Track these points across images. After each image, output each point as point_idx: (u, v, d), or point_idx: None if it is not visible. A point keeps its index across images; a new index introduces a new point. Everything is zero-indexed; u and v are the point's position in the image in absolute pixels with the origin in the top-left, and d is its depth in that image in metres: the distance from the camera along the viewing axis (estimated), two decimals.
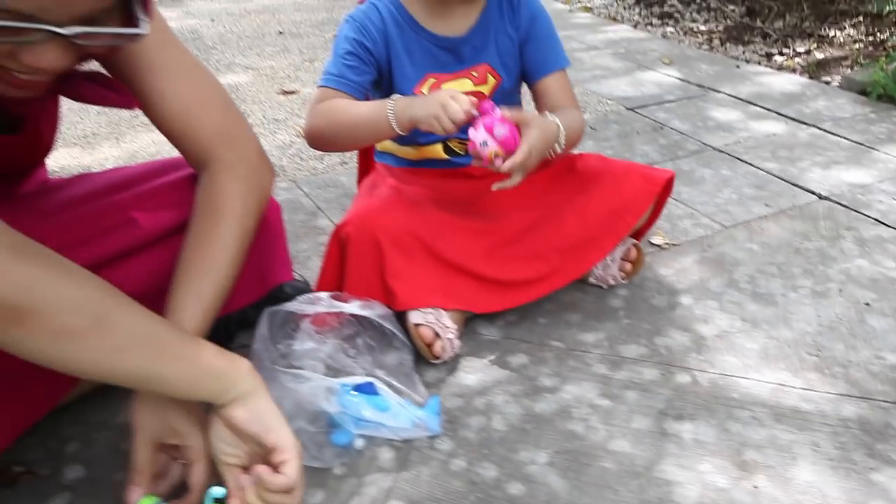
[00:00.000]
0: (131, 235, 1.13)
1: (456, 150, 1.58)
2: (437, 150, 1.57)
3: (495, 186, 1.33)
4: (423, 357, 1.36)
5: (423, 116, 1.28)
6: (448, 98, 1.27)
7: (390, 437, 1.19)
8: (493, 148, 1.26)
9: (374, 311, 1.27)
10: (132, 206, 1.15)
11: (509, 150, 1.27)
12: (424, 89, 1.47)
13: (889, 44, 3.12)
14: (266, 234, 1.26)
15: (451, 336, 1.36)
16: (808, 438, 1.20)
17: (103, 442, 1.20)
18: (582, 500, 1.10)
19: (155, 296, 1.03)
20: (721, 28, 3.69)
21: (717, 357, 1.38)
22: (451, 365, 1.37)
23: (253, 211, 1.12)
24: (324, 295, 1.27)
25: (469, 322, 1.45)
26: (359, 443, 1.19)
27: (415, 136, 1.47)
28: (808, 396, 1.29)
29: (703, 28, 3.70)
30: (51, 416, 1.15)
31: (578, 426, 1.24)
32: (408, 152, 1.59)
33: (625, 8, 4.13)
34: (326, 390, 1.15)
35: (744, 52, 3.28)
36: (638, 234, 1.59)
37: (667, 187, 1.54)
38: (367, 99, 1.44)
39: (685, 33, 3.59)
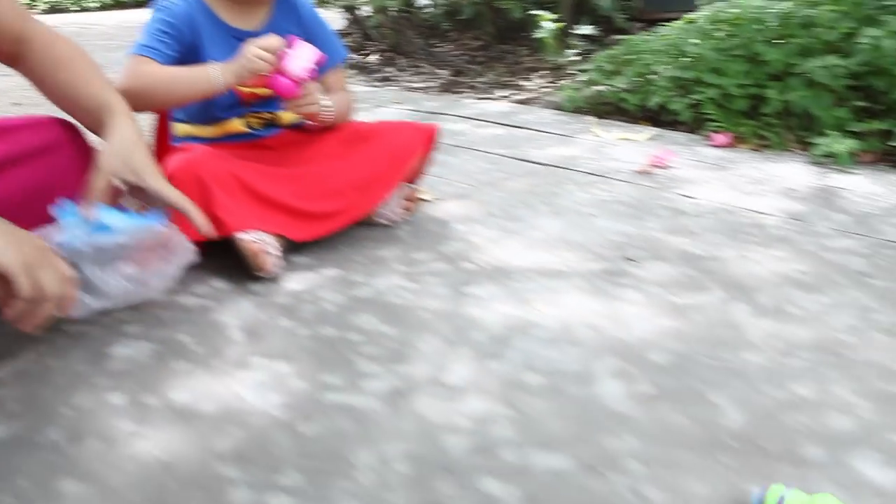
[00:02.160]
0: None
1: (253, 124, 1.83)
2: (237, 125, 1.81)
3: (294, 108, 1.60)
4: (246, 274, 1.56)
5: (244, 62, 1.53)
6: (254, 41, 1.55)
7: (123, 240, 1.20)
8: (301, 66, 1.54)
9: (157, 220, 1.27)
10: None
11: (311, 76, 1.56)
12: None
13: (568, 79, 3.83)
14: (85, 162, 1.38)
15: (274, 252, 1.58)
16: (568, 283, 1.57)
17: None
18: (408, 336, 1.36)
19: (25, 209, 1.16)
20: (435, 85, 4.26)
21: (491, 252, 1.73)
22: (274, 279, 1.58)
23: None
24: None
25: (283, 253, 1.67)
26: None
27: (214, 111, 1.71)
28: (563, 263, 1.66)
29: (420, 86, 4.25)
30: None
31: (395, 299, 1.51)
32: (208, 131, 1.80)
33: (348, 78, 4.60)
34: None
35: (458, 99, 3.82)
36: (413, 179, 1.92)
37: (433, 138, 1.89)
38: None
39: (407, 91, 4.11)
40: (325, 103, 1.71)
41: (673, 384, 1.22)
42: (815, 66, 2.50)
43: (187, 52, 1.68)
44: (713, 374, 1.25)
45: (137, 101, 1.60)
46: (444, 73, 4.50)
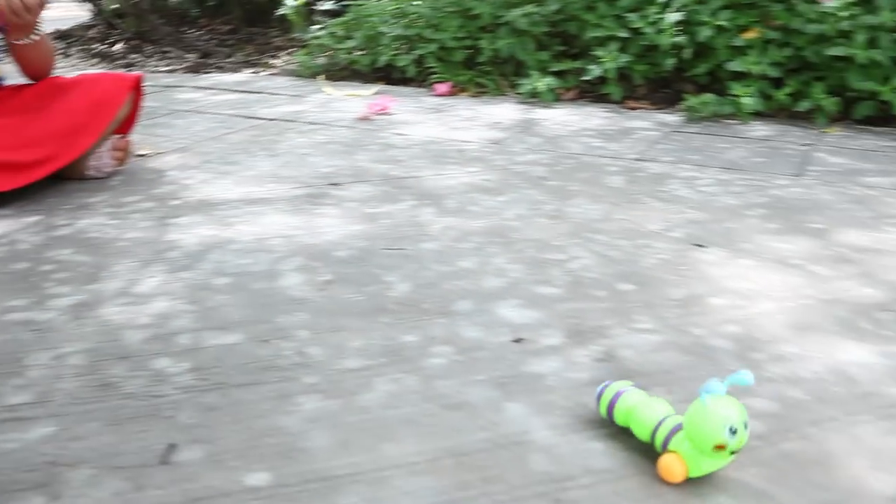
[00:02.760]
0: None
1: None
2: None
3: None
4: None
5: None
6: None
7: None
8: None
9: None
10: None
11: None
12: None
13: (302, 52, 3.92)
14: None
15: None
16: (271, 207, 1.65)
17: None
18: (103, 262, 1.39)
19: None
20: (182, 67, 4.21)
21: (201, 190, 1.78)
22: None
23: None
24: None
25: None
26: None
27: None
28: (269, 193, 1.75)
29: (164, 69, 4.18)
30: None
31: (95, 234, 1.53)
32: None
33: (90, 66, 4.44)
34: None
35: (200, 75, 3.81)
36: (123, 130, 1.93)
37: (136, 86, 1.90)
38: None
39: (151, 74, 4.03)
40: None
41: (351, 271, 1.33)
42: (517, 15, 2.74)
43: None
44: (390, 261, 1.38)
45: None
46: (192, 56, 4.44)
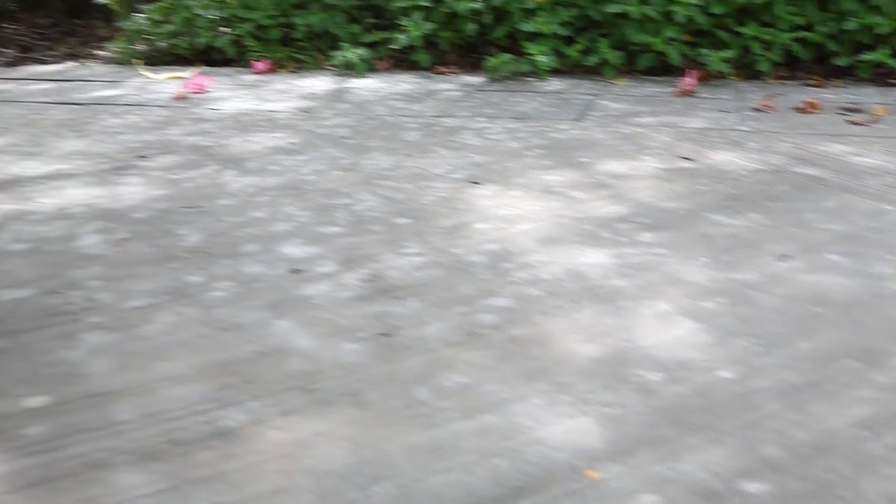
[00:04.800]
0: None
1: None
2: None
3: None
4: None
5: None
6: None
7: None
8: None
9: None
10: None
11: None
12: None
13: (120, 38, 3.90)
14: None
15: None
16: (76, 181, 1.70)
17: None
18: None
19: None
20: (0, 62, 4.08)
21: (5, 169, 1.80)
22: None
23: None
24: None
25: None
26: None
27: None
28: (75, 169, 1.78)
29: None
30: None
31: None
32: None
33: None
34: None
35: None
36: None
37: None
38: None
39: None
40: None
41: (147, 229, 1.42)
42: None
43: None
44: (183, 217, 1.46)
45: None
46: (11, 52, 4.31)
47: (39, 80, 2.99)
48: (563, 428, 0.85)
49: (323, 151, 1.83)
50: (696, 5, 2.46)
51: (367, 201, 1.52)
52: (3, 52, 4.31)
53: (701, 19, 2.48)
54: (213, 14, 3.06)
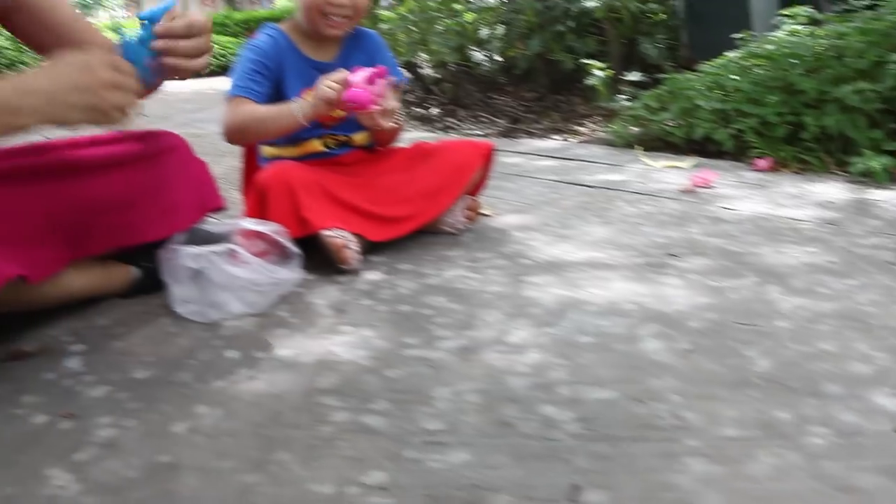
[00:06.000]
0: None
1: (330, 144, 2.07)
2: (316, 145, 2.05)
3: (369, 117, 1.80)
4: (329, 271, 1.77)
5: (320, 95, 1.76)
6: (324, 77, 1.79)
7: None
8: (366, 90, 1.75)
9: (268, 227, 1.64)
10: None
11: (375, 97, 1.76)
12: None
13: (616, 121, 4.05)
14: (196, 165, 1.67)
15: (354, 248, 1.80)
16: (615, 273, 1.75)
17: (96, 331, 1.51)
18: (474, 311, 1.56)
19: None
20: (494, 132, 4.52)
21: (546, 251, 1.92)
22: (355, 272, 1.80)
23: None
24: (228, 220, 1.67)
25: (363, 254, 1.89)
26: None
27: (297, 133, 1.95)
28: (611, 259, 1.85)
29: (479, 133, 4.51)
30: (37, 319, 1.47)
31: (461, 285, 1.71)
32: (291, 151, 2.04)
33: (412, 127, 4.89)
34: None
35: (515, 140, 4.07)
36: (474, 192, 2.13)
37: (489, 154, 2.11)
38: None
39: (467, 136, 4.37)
40: (392, 104, 1.90)
41: (708, 343, 1.39)
42: (848, 91, 2.67)
43: (275, 84, 1.94)
44: (745, 335, 1.41)
45: (237, 137, 1.87)
46: (502, 121, 4.75)
47: (542, 155, 3.21)
48: None
49: (873, 278, 1.67)
50: None
51: None
52: (495, 121, 4.76)
53: None
54: (714, 106, 3.04)
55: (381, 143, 2.08)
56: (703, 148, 3.13)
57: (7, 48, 7.79)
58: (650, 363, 1.32)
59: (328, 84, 1.75)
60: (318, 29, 1.92)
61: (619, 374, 1.28)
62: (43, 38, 1.48)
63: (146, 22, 1.29)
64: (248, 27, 12.55)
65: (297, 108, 1.79)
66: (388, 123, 1.81)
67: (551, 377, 1.27)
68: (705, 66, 3.42)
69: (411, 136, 4.09)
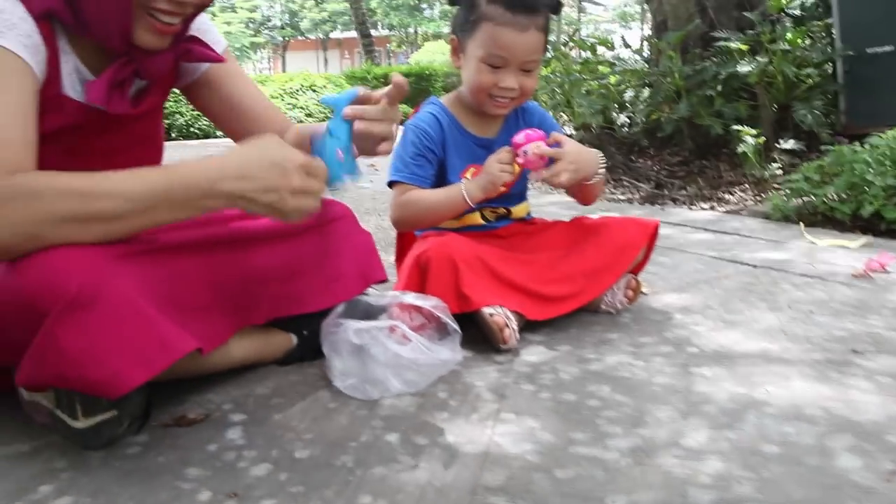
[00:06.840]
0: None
1: (488, 217, 2.05)
2: (476, 218, 2.03)
3: (546, 174, 1.77)
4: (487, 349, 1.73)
5: (490, 177, 1.76)
6: (492, 159, 1.78)
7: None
8: (533, 150, 1.73)
9: (429, 302, 1.63)
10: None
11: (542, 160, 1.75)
12: (468, 176, 1.96)
13: (772, 192, 3.87)
14: (361, 236, 1.67)
15: (515, 327, 1.75)
16: (793, 369, 1.63)
17: (256, 400, 1.52)
18: (643, 405, 1.48)
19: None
20: (637, 197, 4.41)
21: (713, 339, 1.82)
22: (514, 352, 1.75)
23: None
24: (389, 292, 1.66)
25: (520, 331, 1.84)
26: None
27: None
28: (786, 352, 1.72)
29: (622, 198, 4.41)
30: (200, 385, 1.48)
31: (626, 372, 1.63)
32: (449, 223, 2.03)
33: (559, 192, 4.85)
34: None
35: (662, 209, 3.95)
36: (635, 271, 2.06)
37: (654, 233, 2.03)
38: (432, 187, 1.91)
39: (609, 202, 4.28)
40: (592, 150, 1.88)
41: None
42: None
43: (438, 165, 1.93)
44: None
45: (408, 227, 1.88)
46: (645, 186, 4.64)
47: (694, 227, 3.09)
48: None
49: None
50: None
51: None
52: (638, 186, 4.66)
53: None
54: (888, 182, 2.85)
55: (585, 201, 2.03)
56: (871, 225, 2.93)
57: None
58: (848, 484, 1.20)
59: (501, 168, 1.74)
60: (485, 109, 1.91)
61: (815, 496, 1.17)
62: (230, 118, 1.52)
63: (334, 108, 1.29)
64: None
65: (466, 191, 1.78)
66: (573, 177, 1.78)
67: (738, 492, 1.17)
68: (873, 138, 3.22)
69: (551, 199, 4.05)
